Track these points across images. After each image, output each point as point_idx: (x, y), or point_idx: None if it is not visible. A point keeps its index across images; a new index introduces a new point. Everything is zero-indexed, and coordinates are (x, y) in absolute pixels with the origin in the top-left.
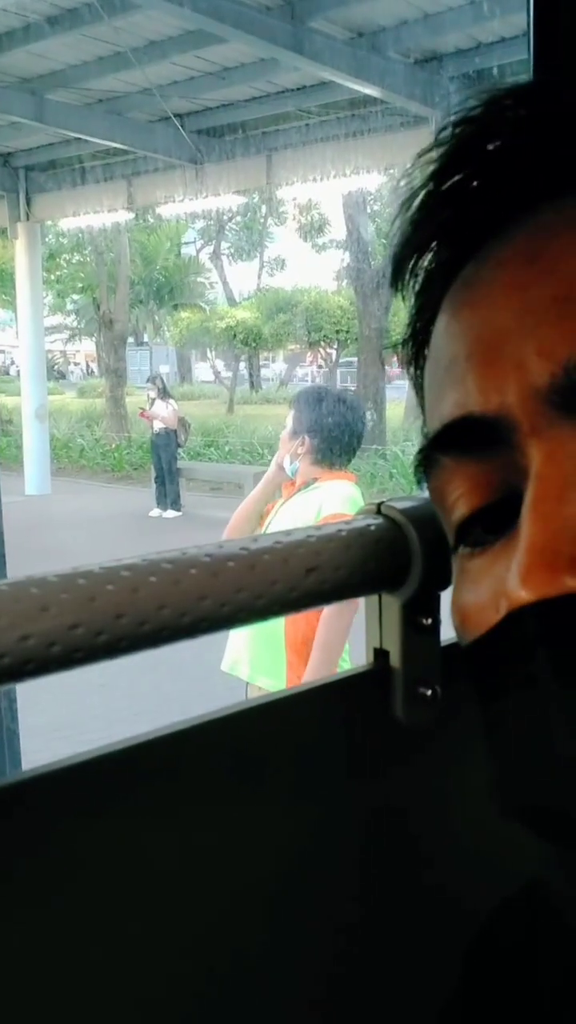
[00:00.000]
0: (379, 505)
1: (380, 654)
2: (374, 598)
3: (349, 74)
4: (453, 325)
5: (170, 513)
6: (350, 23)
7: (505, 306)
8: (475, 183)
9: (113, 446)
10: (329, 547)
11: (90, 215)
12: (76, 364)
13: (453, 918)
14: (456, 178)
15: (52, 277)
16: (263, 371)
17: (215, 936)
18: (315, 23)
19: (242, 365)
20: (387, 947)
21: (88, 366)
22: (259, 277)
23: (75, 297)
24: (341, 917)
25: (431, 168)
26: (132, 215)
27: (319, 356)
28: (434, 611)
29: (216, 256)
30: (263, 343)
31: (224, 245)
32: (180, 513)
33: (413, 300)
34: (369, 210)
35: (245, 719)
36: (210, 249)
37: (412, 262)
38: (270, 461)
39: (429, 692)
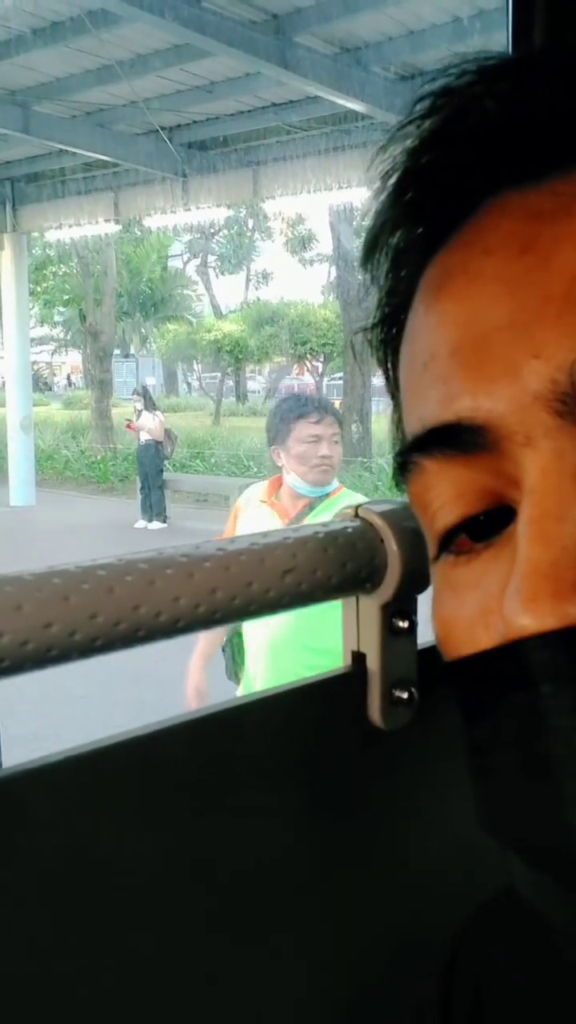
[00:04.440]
0: (356, 508)
1: (357, 657)
2: (351, 600)
3: (333, 88)
4: (432, 316)
5: (155, 524)
6: (334, 38)
7: (493, 301)
8: (454, 159)
9: (99, 457)
10: (306, 548)
11: (77, 227)
12: (62, 376)
13: (429, 921)
14: (433, 154)
15: (39, 289)
16: (249, 383)
17: (188, 938)
18: (300, 38)
19: (228, 378)
20: (365, 949)
21: (70, 379)
22: (246, 290)
23: (61, 309)
24: (316, 920)
25: (407, 144)
26: (118, 227)
27: (305, 369)
28: (411, 613)
29: (203, 269)
30: (249, 356)
31: (211, 258)
32: (165, 525)
33: (384, 281)
34: (354, 224)
35: (220, 721)
36: (197, 262)
37: (385, 239)
38: (256, 472)
39: (406, 695)
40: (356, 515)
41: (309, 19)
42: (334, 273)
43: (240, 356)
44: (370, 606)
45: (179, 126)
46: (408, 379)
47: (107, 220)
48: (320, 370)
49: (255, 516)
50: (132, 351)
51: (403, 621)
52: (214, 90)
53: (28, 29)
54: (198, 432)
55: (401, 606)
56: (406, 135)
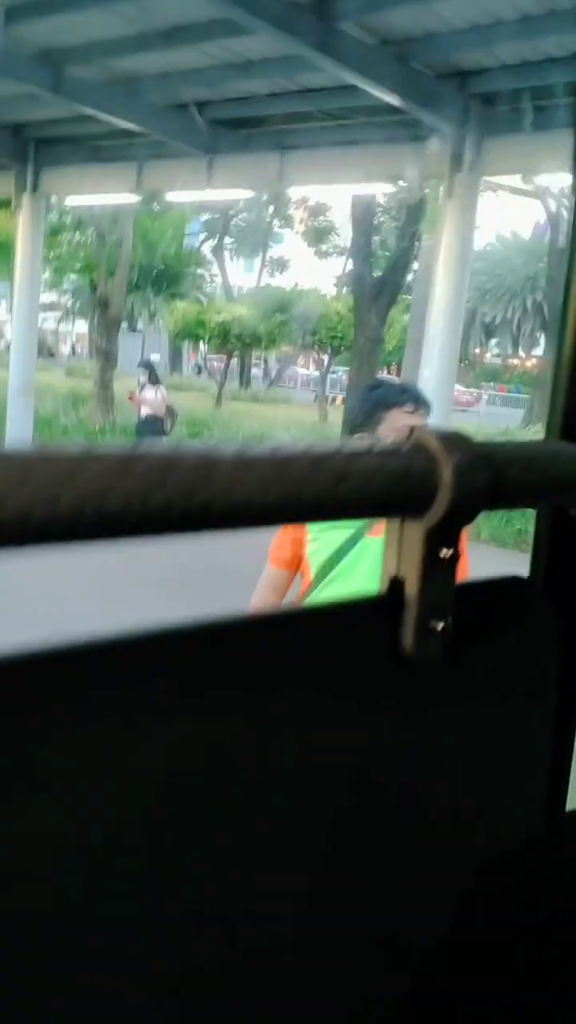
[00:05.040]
0: (412, 429)
1: (395, 583)
2: (396, 523)
3: (371, 80)
4: None
5: None
6: (378, 30)
7: None
8: None
9: (97, 427)
10: (360, 462)
11: (97, 194)
12: (67, 344)
13: (449, 861)
14: None
15: (52, 255)
16: (253, 370)
17: (196, 858)
18: (343, 25)
19: (233, 361)
20: (380, 884)
21: (75, 348)
22: (259, 275)
23: (72, 277)
24: (330, 846)
25: None
26: (139, 199)
27: (311, 360)
28: (455, 543)
29: (218, 250)
30: (257, 341)
31: (227, 240)
32: None
33: None
34: (376, 220)
35: (252, 629)
36: (213, 242)
37: None
38: None
39: (441, 626)
40: (411, 436)
41: (353, 7)
42: (350, 266)
43: (248, 341)
44: (415, 531)
45: (210, 102)
46: None
47: (128, 191)
48: (326, 363)
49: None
50: (140, 326)
51: (447, 549)
52: (250, 69)
53: None
54: (199, 412)
55: (447, 534)
56: None
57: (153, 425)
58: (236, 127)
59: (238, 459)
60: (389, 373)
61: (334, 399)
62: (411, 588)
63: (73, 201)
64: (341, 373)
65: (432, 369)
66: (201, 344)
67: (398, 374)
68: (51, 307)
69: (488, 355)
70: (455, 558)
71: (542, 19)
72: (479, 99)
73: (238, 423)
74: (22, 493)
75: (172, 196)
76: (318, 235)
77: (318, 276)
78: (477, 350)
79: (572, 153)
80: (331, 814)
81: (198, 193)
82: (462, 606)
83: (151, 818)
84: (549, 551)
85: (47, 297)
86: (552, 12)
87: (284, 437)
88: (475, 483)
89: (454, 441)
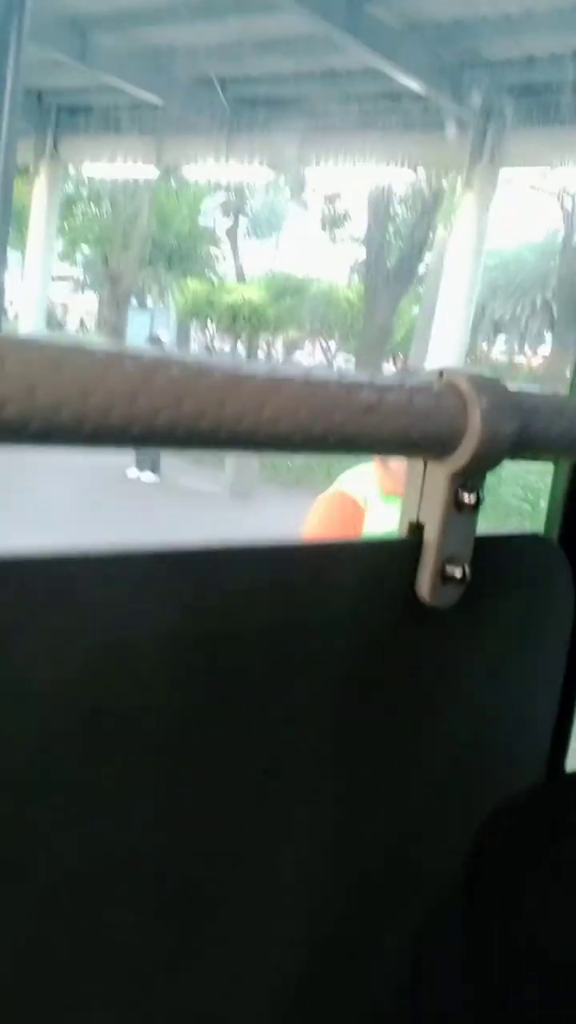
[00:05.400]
0: (441, 371)
1: (415, 527)
2: (418, 466)
3: (397, 65)
4: None
5: (148, 476)
6: (407, 14)
7: None
8: None
9: None
10: (390, 394)
11: (115, 164)
12: (75, 317)
13: (457, 805)
14: None
15: (66, 225)
16: (259, 353)
17: (200, 793)
18: (372, 8)
19: (240, 345)
20: (387, 827)
21: (83, 321)
22: (272, 258)
23: (86, 249)
24: (338, 783)
25: None
26: (157, 173)
27: (318, 346)
28: (478, 488)
29: (232, 230)
30: (266, 325)
31: (242, 221)
32: (157, 478)
33: None
34: (391, 210)
35: (269, 554)
36: (228, 222)
37: None
38: None
39: (459, 573)
40: (441, 377)
41: None
42: (363, 255)
43: (256, 323)
44: (438, 475)
45: (234, 79)
46: None
47: (146, 163)
48: (333, 349)
49: (386, 515)
50: (149, 303)
51: (470, 495)
52: (275, 47)
53: None
54: None
55: (470, 479)
56: None
57: None
58: (258, 105)
59: (270, 376)
60: (395, 363)
61: None
62: (431, 533)
63: (90, 171)
64: (342, 360)
65: (438, 362)
66: (209, 324)
67: (404, 365)
68: (62, 278)
69: (495, 351)
70: (478, 504)
71: (572, 13)
72: (504, 90)
73: None
74: (51, 387)
75: (189, 172)
76: (334, 221)
77: (331, 263)
78: (485, 345)
79: None
80: (338, 751)
81: (216, 170)
82: (480, 555)
83: (152, 752)
84: (567, 507)
85: (59, 268)
86: None
87: None
88: (503, 429)
89: (485, 384)
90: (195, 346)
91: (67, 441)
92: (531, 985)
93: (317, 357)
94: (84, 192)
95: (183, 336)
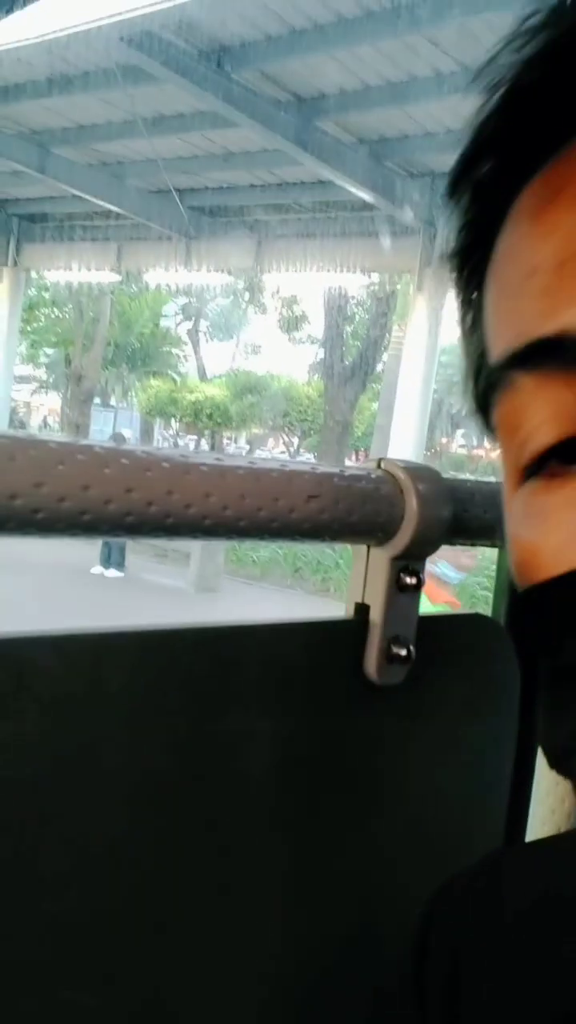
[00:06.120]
0: (379, 461)
1: (360, 608)
2: (362, 550)
3: (346, 176)
4: (537, 231)
5: (112, 573)
6: (354, 129)
7: None
8: (565, 75)
9: None
10: (331, 482)
11: (77, 271)
12: (38, 416)
13: (410, 881)
14: (544, 70)
15: (28, 328)
16: (224, 450)
17: (159, 863)
18: (322, 123)
19: (204, 442)
20: (342, 903)
21: (46, 420)
22: (233, 358)
23: (48, 351)
24: (293, 864)
25: (517, 56)
26: (118, 278)
27: (281, 441)
28: (419, 572)
29: (194, 332)
30: (228, 421)
31: (203, 323)
32: (123, 575)
33: (472, 202)
34: (348, 310)
35: (217, 636)
36: (189, 324)
37: (485, 154)
38: None
39: (404, 652)
40: (379, 467)
41: (331, 106)
42: (321, 354)
43: (219, 420)
44: (380, 557)
45: (191, 189)
46: (501, 298)
47: (108, 270)
48: (296, 444)
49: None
50: (112, 401)
51: (411, 578)
52: (231, 160)
53: (59, 75)
54: None
55: (411, 562)
56: (516, 46)
57: None
58: (215, 214)
59: (215, 465)
60: (357, 457)
61: None
62: (375, 614)
63: (52, 276)
64: (304, 456)
65: (399, 455)
66: (173, 421)
67: (365, 458)
68: (25, 379)
69: (454, 445)
70: (419, 587)
71: None
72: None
73: None
74: (3, 478)
75: (150, 277)
76: (291, 323)
77: (290, 361)
78: (444, 440)
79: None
80: (288, 830)
81: (175, 275)
82: (425, 634)
83: (102, 835)
84: (511, 588)
85: (22, 369)
86: None
87: None
88: (439, 514)
89: (421, 472)
90: (159, 443)
91: (21, 530)
92: None
93: (278, 452)
94: (47, 296)
95: (147, 434)
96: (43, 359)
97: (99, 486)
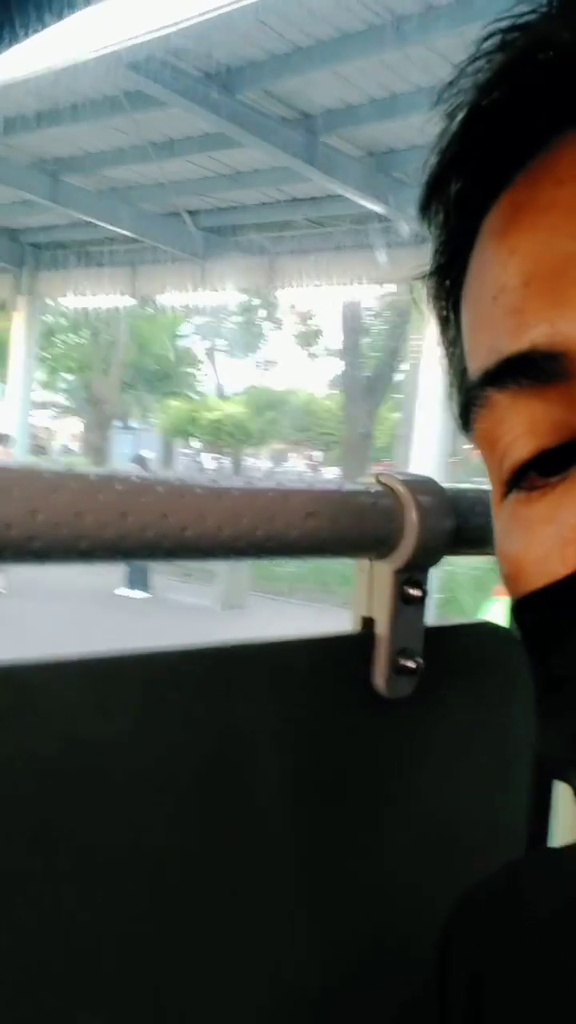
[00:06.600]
0: (378, 476)
1: (366, 622)
2: (365, 563)
3: (355, 189)
4: (503, 249)
5: (137, 594)
6: (362, 142)
7: (567, 229)
8: (524, 95)
9: None
10: (329, 498)
11: (92, 296)
12: (60, 441)
13: (424, 895)
14: (503, 90)
15: (48, 354)
16: (245, 465)
17: (173, 879)
18: (328, 139)
19: (226, 460)
20: (358, 920)
21: (67, 445)
22: (251, 375)
23: (67, 376)
24: (307, 880)
25: (475, 80)
26: (134, 301)
27: (303, 456)
28: (423, 584)
29: (211, 351)
30: (249, 438)
31: (220, 341)
32: (149, 595)
33: (444, 223)
34: (364, 322)
35: (225, 656)
36: (206, 343)
37: (450, 176)
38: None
39: (412, 664)
40: (378, 481)
41: (337, 121)
42: (341, 367)
43: (240, 438)
44: (383, 571)
45: (202, 210)
46: (474, 317)
47: (123, 294)
48: (317, 458)
49: None
50: (133, 424)
51: (415, 590)
52: (239, 179)
53: (67, 104)
54: None
55: (414, 575)
56: (474, 70)
57: None
58: (227, 234)
59: (210, 488)
60: (380, 467)
61: None
62: (381, 628)
63: (68, 303)
64: (327, 471)
65: (423, 464)
66: (193, 441)
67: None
68: (45, 405)
69: (478, 452)
70: (424, 597)
71: None
72: None
73: None
74: (2, 508)
75: (165, 299)
76: (308, 338)
77: (309, 376)
78: (467, 446)
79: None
80: (302, 849)
81: (190, 296)
82: (433, 645)
83: (110, 862)
84: None
85: (42, 396)
86: None
87: None
88: (440, 526)
89: (420, 485)
90: (182, 462)
91: (17, 558)
92: None
93: (301, 466)
94: (63, 322)
95: (168, 454)
96: (62, 384)
97: (94, 512)
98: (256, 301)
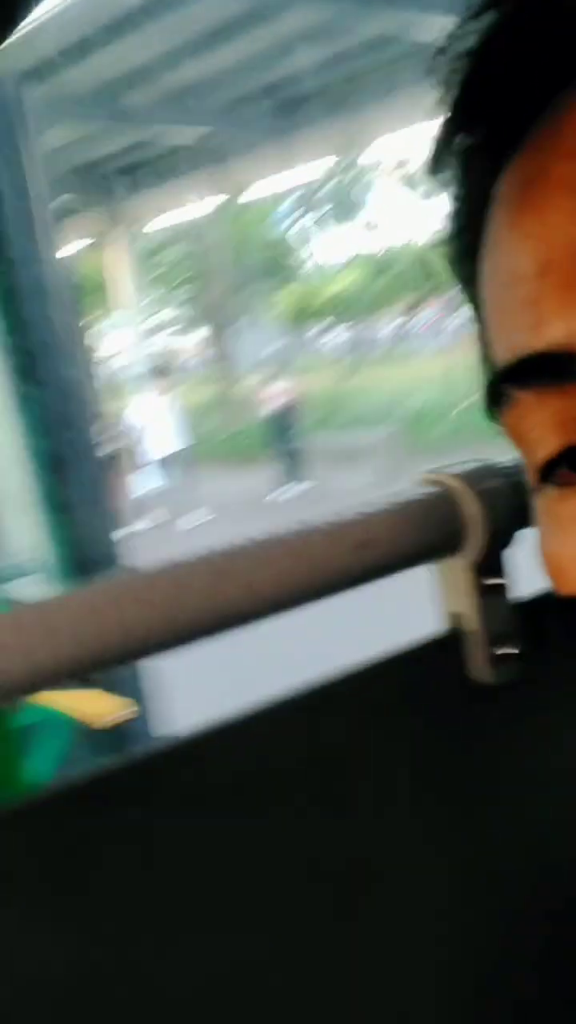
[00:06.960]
0: (426, 475)
1: (454, 618)
2: (440, 564)
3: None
4: (514, 233)
5: (295, 488)
6: None
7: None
8: (523, 53)
9: (232, 432)
10: (379, 520)
11: (183, 208)
12: (187, 357)
13: (552, 880)
14: (501, 49)
15: (153, 275)
16: (365, 334)
17: (299, 929)
18: None
19: (350, 332)
20: (476, 918)
21: (194, 359)
22: (359, 242)
23: (178, 291)
24: (435, 896)
25: (472, 40)
26: (224, 198)
27: (432, 306)
28: (500, 571)
29: (311, 228)
30: (372, 305)
31: (318, 215)
32: (305, 486)
33: (458, 190)
34: None
35: (321, 698)
36: (304, 221)
37: (454, 143)
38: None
39: (507, 651)
40: (426, 481)
41: None
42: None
43: (362, 307)
44: (458, 567)
45: (270, 86)
46: (493, 297)
47: (213, 195)
48: (447, 305)
49: None
50: (252, 321)
51: (493, 579)
52: (295, 46)
53: (101, 27)
54: (326, 392)
55: (489, 564)
56: (470, 32)
57: (284, 418)
58: (302, 103)
59: (258, 546)
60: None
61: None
62: (469, 622)
63: (161, 221)
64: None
65: None
66: (317, 320)
67: None
68: (160, 327)
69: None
70: (505, 584)
71: None
72: None
73: (366, 396)
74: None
75: (255, 188)
76: (412, 181)
77: (420, 226)
78: None
79: None
80: (444, 853)
81: (279, 178)
82: (529, 622)
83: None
84: None
85: (160, 316)
86: None
87: (417, 396)
88: (506, 510)
89: (474, 473)
90: (309, 348)
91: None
92: None
93: (433, 315)
94: (161, 241)
95: (295, 341)
96: (176, 300)
97: (157, 613)
98: (346, 161)
